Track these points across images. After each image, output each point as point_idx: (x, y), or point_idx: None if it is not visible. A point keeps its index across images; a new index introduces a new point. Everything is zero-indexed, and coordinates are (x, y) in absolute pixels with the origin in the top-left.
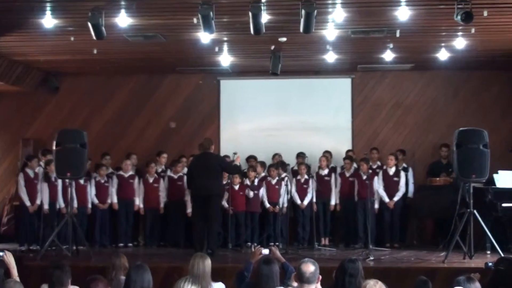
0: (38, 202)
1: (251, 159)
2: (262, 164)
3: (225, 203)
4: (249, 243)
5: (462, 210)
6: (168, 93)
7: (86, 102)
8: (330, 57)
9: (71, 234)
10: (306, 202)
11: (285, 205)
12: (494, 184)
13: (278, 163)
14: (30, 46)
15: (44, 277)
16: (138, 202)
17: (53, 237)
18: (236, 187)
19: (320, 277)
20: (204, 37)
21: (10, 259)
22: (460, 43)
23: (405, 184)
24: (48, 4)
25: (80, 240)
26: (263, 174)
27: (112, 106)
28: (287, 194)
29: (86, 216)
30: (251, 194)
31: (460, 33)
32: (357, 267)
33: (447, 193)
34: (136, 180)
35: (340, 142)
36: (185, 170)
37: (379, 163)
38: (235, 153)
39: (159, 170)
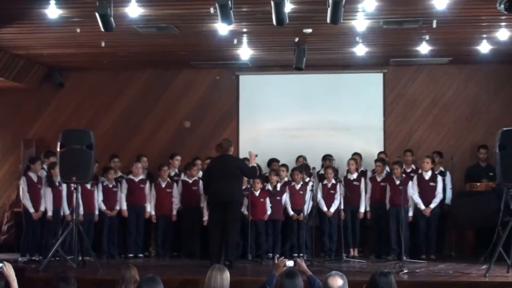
0: (42, 208)
1: (273, 162)
2: (285, 167)
3: (244, 210)
4: (271, 254)
5: (506, 218)
6: (182, 90)
7: (93, 99)
8: (360, 50)
9: (76, 243)
10: (333, 209)
11: (310, 212)
12: None
13: (302, 166)
14: (33, 39)
15: None
16: (150, 208)
17: (57, 246)
18: (257, 193)
19: None
20: (222, 28)
21: (10, 271)
22: (503, 34)
23: (442, 189)
24: None
25: (86, 250)
26: (286, 179)
27: (121, 104)
28: (313, 200)
29: (93, 224)
30: (268, 204)
31: (503, 24)
32: (389, 281)
33: (489, 199)
34: (147, 184)
35: (370, 144)
36: (200, 173)
37: (413, 166)
38: (255, 155)
39: (172, 174)
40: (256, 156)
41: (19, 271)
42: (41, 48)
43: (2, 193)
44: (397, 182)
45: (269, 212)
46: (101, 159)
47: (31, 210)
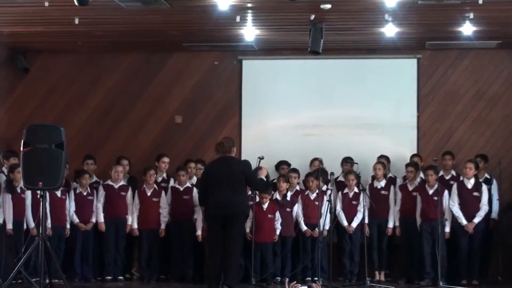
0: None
1: (282, 165)
2: (296, 172)
3: (246, 228)
4: (279, 278)
5: None
6: (173, 78)
7: (64, 88)
8: (390, 30)
9: (43, 263)
10: (355, 224)
11: (327, 227)
12: None
13: (318, 172)
14: None
15: None
16: (131, 221)
17: (19, 266)
18: (265, 206)
19: None
20: (222, 2)
21: None
22: None
23: (488, 201)
24: None
25: (55, 271)
26: (297, 187)
27: (99, 94)
28: (330, 213)
29: (63, 240)
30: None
31: None
32: None
33: None
34: (130, 192)
35: (401, 145)
36: (194, 179)
37: (453, 172)
38: (260, 158)
39: (160, 179)
40: (262, 158)
41: None
42: (1, 25)
43: None
44: (431, 192)
45: (278, 232)
46: (73, 160)
47: None
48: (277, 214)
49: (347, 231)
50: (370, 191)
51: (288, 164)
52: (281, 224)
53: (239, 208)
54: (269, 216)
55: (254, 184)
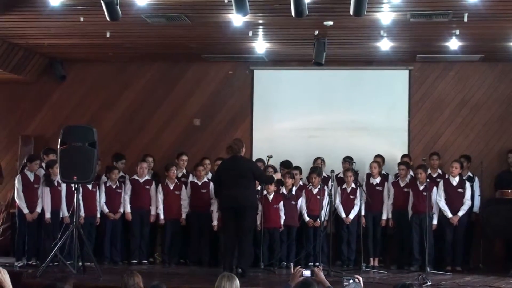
0: (38, 209)
1: (282, 166)
2: (298, 169)
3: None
4: (285, 263)
5: None
6: (192, 85)
7: (96, 94)
8: (385, 44)
9: (76, 248)
10: (352, 215)
11: (328, 218)
12: None
13: (321, 169)
14: (33, 27)
15: None
16: (155, 211)
17: (55, 251)
18: (271, 198)
19: None
20: (236, 19)
21: (5, 277)
22: None
23: (471, 196)
24: None
25: (87, 255)
26: (300, 183)
27: (127, 99)
28: (330, 205)
29: (94, 227)
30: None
31: None
32: None
33: None
34: (153, 186)
35: (394, 146)
36: (210, 175)
37: (439, 171)
38: (269, 157)
39: (180, 175)
40: (271, 157)
41: (15, 276)
42: (41, 37)
43: None
44: (421, 188)
45: (282, 221)
46: (104, 157)
47: (25, 211)
48: (281, 205)
49: (345, 222)
50: (367, 187)
51: (289, 164)
52: (287, 215)
53: (248, 201)
54: (274, 206)
55: (259, 178)
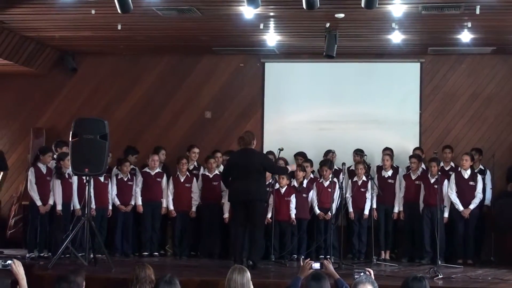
0: (51, 202)
1: (299, 156)
2: (309, 162)
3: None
4: (295, 255)
5: None
6: (203, 78)
7: (107, 86)
8: (396, 37)
9: (88, 240)
10: (366, 211)
11: (338, 211)
12: None
13: (332, 162)
14: (44, 20)
15: None
16: (166, 204)
17: (67, 243)
18: (283, 190)
19: None
20: (247, 11)
21: (19, 269)
22: None
23: (482, 189)
24: None
25: (98, 247)
26: (311, 175)
27: (138, 92)
28: (342, 198)
29: (105, 220)
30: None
31: None
32: (423, 287)
33: None
34: (164, 178)
35: (405, 139)
36: (221, 168)
37: (452, 164)
38: (280, 149)
39: (191, 167)
40: (282, 149)
41: (27, 268)
42: (53, 30)
43: (9, 185)
44: (432, 181)
45: (293, 215)
46: (115, 150)
47: (38, 203)
48: (293, 197)
49: (350, 216)
50: (378, 180)
51: (304, 155)
52: (298, 208)
53: (256, 194)
54: (286, 198)
55: (271, 170)
